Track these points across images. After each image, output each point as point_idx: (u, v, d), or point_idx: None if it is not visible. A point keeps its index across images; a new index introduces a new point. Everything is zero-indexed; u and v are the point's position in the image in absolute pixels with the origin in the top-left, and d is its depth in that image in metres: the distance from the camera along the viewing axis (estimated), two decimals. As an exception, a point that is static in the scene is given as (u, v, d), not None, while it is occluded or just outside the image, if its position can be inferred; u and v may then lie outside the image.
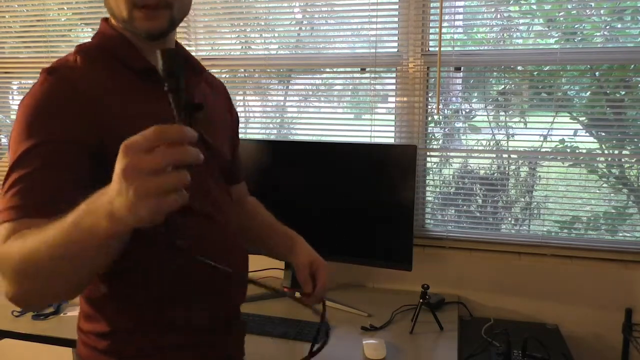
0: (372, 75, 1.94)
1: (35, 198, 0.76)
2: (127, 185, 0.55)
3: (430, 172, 1.96)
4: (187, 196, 0.57)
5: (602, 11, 1.73)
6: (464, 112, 1.93)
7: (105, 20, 0.98)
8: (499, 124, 1.90)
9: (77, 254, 0.65)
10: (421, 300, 1.63)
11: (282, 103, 2.09)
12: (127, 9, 0.87)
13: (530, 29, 1.83)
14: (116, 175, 0.56)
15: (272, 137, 2.10)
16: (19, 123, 0.82)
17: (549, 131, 1.82)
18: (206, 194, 0.96)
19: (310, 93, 2.07)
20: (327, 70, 2.02)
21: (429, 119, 1.92)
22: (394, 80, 1.92)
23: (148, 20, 0.87)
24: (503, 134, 1.89)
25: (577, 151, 1.82)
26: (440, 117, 1.93)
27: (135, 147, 0.55)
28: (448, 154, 1.95)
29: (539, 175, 1.88)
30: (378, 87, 1.95)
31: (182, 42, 2.16)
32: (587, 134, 1.82)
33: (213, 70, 2.11)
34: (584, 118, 1.83)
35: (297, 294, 1.24)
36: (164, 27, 0.90)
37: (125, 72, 0.91)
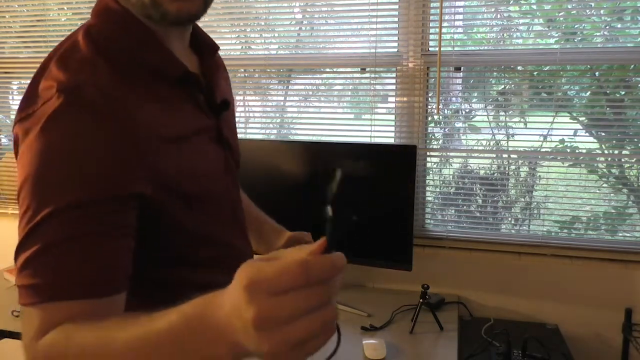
0: (372, 75, 1.94)
1: (72, 273, 0.58)
2: (263, 339, 0.42)
3: (430, 172, 1.96)
4: (335, 328, 0.46)
5: (602, 11, 1.73)
6: (464, 112, 1.93)
7: None
8: (499, 124, 1.90)
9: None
10: (421, 300, 1.63)
11: (282, 103, 2.09)
12: None
13: (530, 29, 1.83)
14: (245, 321, 0.43)
15: (272, 137, 2.10)
16: (43, 164, 0.61)
17: (549, 131, 1.82)
18: (237, 205, 0.90)
19: (310, 93, 2.07)
20: (327, 70, 2.02)
21: (429, 119, 1.92)
22: (394, 80, 1.92)
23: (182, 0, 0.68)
24: (503, 134, 1.89)
25: (577, 151, 1.82)
26: (440, 117, 1.93)
27: (266, 289, 0.43)
28: (448, 154, 1.95)
29: (539, 175, 1.88)
30: (378, 87, 1.95)
31: (182, 42, 2.15)
32: (587, 134, 1.82)
33: (213, 70, 2.12)
34: (584, 118, 1.83)
35: None
36: (199, 10, 0.72)
37: (150, 75, 0.73)
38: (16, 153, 0.68)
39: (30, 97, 0.66)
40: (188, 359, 0.48)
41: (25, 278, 0.60)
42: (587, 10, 1.74)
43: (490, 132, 1.90)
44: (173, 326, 0.48)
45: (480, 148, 1.92)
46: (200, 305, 0.48)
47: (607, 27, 1.75)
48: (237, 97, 2.10)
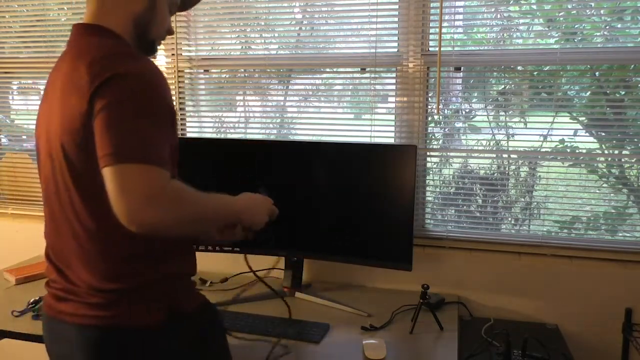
0: (372, 75, 1.94)
1: (164, 154, 0.98)
2: (266, 216, 1.22)
3: (430, 172, 1.96)
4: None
5: (602, 11, 1.73)
6: (464, 112, 1.93)
7: (118, 38, 1.08)
8: (499, 124, 1.90)
9: (215, 222, 1.12)
10: (421, 300, 1.63)
11: (282, 103, 2.09)
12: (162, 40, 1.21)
13: (530, 29, 1.83)
14: (266, 207, 1.23)
15: (272, 137, 2.10)
16: (156, 94, 0.99)
17: (549, 131, 1.82)
18: None
19: (310, 93, 2.07)
20: (327, 70, 2.02)
21: (429, 119, 1.92)
22: (394, 80, 1.92)
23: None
24: (503, 134, 1.89)
25: (577, 151, 1.82)
26: (440, 117, 1.93)
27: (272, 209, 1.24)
28: (448, 154, 1.95)
29: (539, 175, 1.88)
30: (378, 87, 1.95)
31: (182, 42, 2.16)
32: (587, 134, 1.82)
33: (213, 70, 2.12)
34: (584, 118, 1.83)
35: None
36: None
37: None
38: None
39: None
40: (226, 218, 1.14)
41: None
42: (587, 10, 1.74)
43: (490, 132, 1.90)
44: (227, 198, 1.12)
45: (480, 148, 1.93)
46: (233, 197, 1.14)
47: (607, 27, 1.75)
48: (237, 97, 2.11)
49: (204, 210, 1.02)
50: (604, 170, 1.84)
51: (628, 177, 1.84)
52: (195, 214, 0.99)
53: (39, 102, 2.34)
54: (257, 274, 1.33)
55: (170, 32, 1.19)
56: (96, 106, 0.94)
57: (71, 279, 1.08)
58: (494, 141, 1.91)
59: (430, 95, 1.89)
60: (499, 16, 1.84)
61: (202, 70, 2.11)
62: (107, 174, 0.91)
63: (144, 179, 0.92)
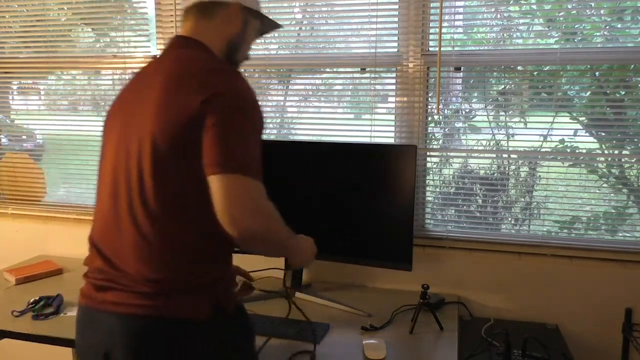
0: (372, 75, 1.94)
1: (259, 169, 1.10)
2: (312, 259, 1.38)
3: (430, 172, 1.96)
4: None
5: (602, 11, 1.73)
6: (464, 112, 1.93)
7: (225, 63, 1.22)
8: (499, 124, 1.90)
9: (286, 249, 1.23)
10: (421, 300, 1.63)
11: (282, 103, 2.09)
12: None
13: (530, 29, 1.83)
14: (312, 249, 1.38)
15: (272, 137, 2.10)
16: (253, 114, 1.10)
17: (549, 131, 1.82)
18: None
19: (310, 93, 2.07)
20: (327, 70, 2.02)
21: (429, 119, 1.92)
22: (394, 80, 1.92)
23: None
24: (503, 134, 1.89)
25: (577, 151, 1.82)
26: (440, 117, 1.93)
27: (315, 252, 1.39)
28: (448, 154, 1.95)
29: (539, 175, 1.88)
30: (378, 87, 1.95)
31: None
32: (587, 134, 1.82)
33: (213, 70, 2.12)
34: (584, 118, 1.83)
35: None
36: None
37: None
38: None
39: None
40: (300, 251, 1.31)
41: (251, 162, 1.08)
42: (587, 10, 1.74)
43: (490, 132, 1.90)
44: (300, 237, 1.32)
45: (480, 148, 1.92)
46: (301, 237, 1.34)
47: (607, 27, 1.75)
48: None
49: (286, 234, 1.16)
50: (604, 170, 1.84)
51: (628, 177, 1.84)
52: (281, 233, 1.13)
53: (38, 102, 2.35)
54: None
55: (248, 57, 1.33)
56: (207, 118, 1.04)
57: (120, 267, 1.10)
58: (494, 141, 1.91)
59: (430, 95, 1.89)
60: (499, 16, 1.84)
61: (202, 70, 2.11)
62: (216, 181, 1.03)
63: (251, 191, 1.05)
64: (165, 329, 1.07)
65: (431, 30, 1.84)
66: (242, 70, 2.07)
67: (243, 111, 1.08)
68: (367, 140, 1.96)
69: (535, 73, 1.83)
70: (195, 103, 1.05)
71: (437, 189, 1.98)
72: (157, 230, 1.07)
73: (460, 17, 1.88)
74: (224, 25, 1.22)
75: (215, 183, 1.03)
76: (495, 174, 1.93)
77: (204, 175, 1.05)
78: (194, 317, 1.08)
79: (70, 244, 2.33)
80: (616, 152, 1.83)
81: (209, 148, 1.04)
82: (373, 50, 1.90)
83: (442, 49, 1.81)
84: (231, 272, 1.20)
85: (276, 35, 2.05)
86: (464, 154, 1.93)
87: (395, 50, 1.90)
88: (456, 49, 1.85)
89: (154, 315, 1.06)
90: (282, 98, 2.09)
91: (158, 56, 1.23)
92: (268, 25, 1.37)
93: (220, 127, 1.04)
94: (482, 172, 1.94)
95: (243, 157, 1.06)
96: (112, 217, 1.13)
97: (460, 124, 1.93)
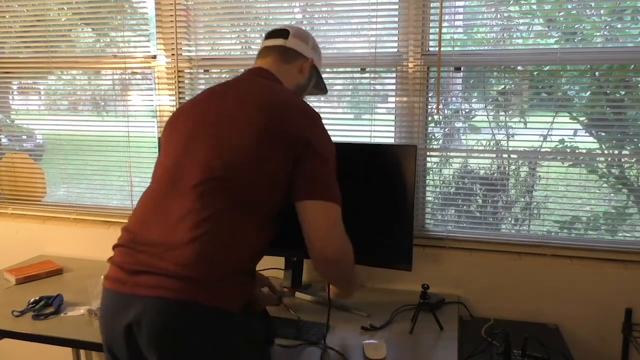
0: (372, 75, 1.94)
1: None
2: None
3: (430, 172, 1.96)
4: None
5: (602, 11, 1.73)
6: (464, 112, 1.93)
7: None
8: (499, 124, 1.90)
9: (352, 279, 1.37)
10: (421, 300, 1.63)
11: (282, 103, 2.09)
12: None
13: (530, 29, 1.83)
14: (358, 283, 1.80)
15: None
16: (334, 152, 1.27)
17: (549, 131, 1.82)
18: None
19: (310, 93, 2.07)
20: (327, 70, 2.02)
21: (429, 119, 1.92)
22: (394, 80, 1.92)
23: None
24: (503, 134, 1.89)
25: (577, 151, 1.82)
26: (440, 117, 1.93)
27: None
28: (448, 154, 1.95)
29: (539, 175, 1.88)
30: (378, 87, 1.95)
31: (182, 42, 2.16)
32: (587, 134, 1.82)
33: (213, 70, 2.12)
34: (584, 118, 1.83)
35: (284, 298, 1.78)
36: None
37: None
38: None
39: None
40: (355, 283, 1.44)
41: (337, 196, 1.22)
42: (587, 10, 1.74)
43: (490, 132, 1.90)
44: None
45: (480, 148, 1.93)
46: None
47: (607, 27, 1.75)
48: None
49: (354, 265, 1.30)
50: (604, 170, 1.84)
51: (628, 177, 1.84)
52: (353, 263, 1.28)
53: (38, 102, 2.36)
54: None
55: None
56: (307, 153, 1.19)
57: (158, 253, 1.12)
58: (494, 141, 1.91)
59: (430, 95, 1.89)
60: (499, 16, 1.84)
61: (202, 70, 2.11)
62: (315, 206, 1.18)
63: (340, 219, 1.21)
64: (200, 314, 1.09)
65: (431, 30, 1.84)
66: (242, 70, 2.07)
67: (329, 141, 1.27)
68: (367, 140, 1.96)
69: (535, 73, 1.83)
70: (296, 137, 1.19)
71: (437, 189, 1.98)
72: (214, 225, 1.12)
73: (460, 17, 1.88)
74: (297, 73, 1.43)
75: (314, 207, 1.18)
76: (495, 174, 1.93)
77: (263, 198, 1.18)
78: (230, 306, 1.12)
79: (70, 244, 2.33)
80: (616, 152, 1.83)
81: (309, 176, 1.19)
82: (373, 50, 1.90)
83: (442, 49, 1.81)
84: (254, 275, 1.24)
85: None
86: (464, 154, 1.94)
87: (395, 50, 1.90)
88: (456, 49, 1.85)
89: (190, 299, 1.08)
90: (282, 98, 2.09)
91: (234, 79, 1.35)
92: (317, 88, 1.56)
93: (319, 162, 1.20)
94: (482, 172, 1.94)
95: (335, 188, 1.21)
96: (161, 206, 1.18)
97: (460, 124, 1.93)
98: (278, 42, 1.43)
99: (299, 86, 1.44)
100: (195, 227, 1.12)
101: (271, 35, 1.46)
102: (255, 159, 1.16)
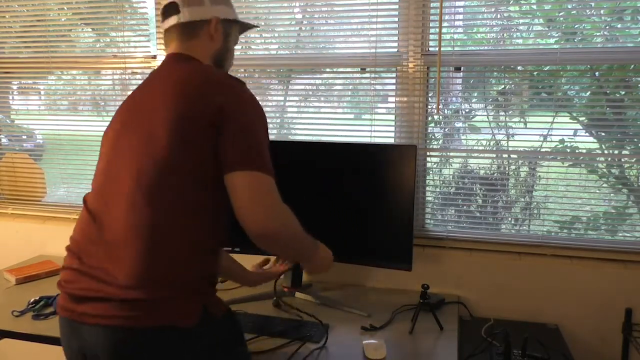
0: (372, 75, 1.94)
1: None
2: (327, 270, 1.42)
3: (430, 172, 1.96)
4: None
5: (602, 11, 1.73)
6: (464, 112, 1.93)
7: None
8: (499, 124, 1.90)
9: (304, 252, 1.29)
10: (421, 300, 1.63)
11: (282, 103, 2.09)
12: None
13: (530, 29, 1.83)
14: (329, 258, 1.42)
15: (272, 137, 2.10)
16: (262, 119, 1.17)
17: (549, 131, 1.82)
18: None
19: (310, 93, 2.07)
20: (327, 70, 2.02)
21: (429, 119, 1.92)
22: (394, 80, 1.92)
23: None
24: (503, 134, 1.89)
25: (577, 151, 1.82)
26: (440, 117, 1.93)
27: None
28: (448, 154, 1.95)
29: (539, 175, 1.88)
30: (378, 87, 1.95)
31: (182, 42, 2.14)
32: (587, 134, 1.82)
33: (213, 70, 2.11)
34: (584, 118, 1.83)
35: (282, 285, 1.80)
36: None
37: None
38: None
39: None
40: (311, 252, 1.34)
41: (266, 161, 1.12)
42: (587, 10, 1.74)
43: (490, 132, 1.90)
44: (318, 243, 1.37)
45: (480, 148, 1.92)
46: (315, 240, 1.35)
47: (607, 27, 1.75)
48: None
49: (304, 237, 1.21)
50: (604, 170, 1.84)
51: (628, 177, 1.84)
52: (299, 234, 1.18)
53: (38, 102, 2.36)
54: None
55: (232, 63, 1.40)
56: (224, 122, 1.09)
57: (102, 277, 1.07)
58: (494, 141, 1.91)
59: (430, 95, 1.89)
60: (499, 16, 1.84)
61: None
62: (239, 177, 1.07)
63: (272, 190, 1.09)
64: (153, 338, 1.05)
65: (431, 30, 1.84)
66: (242, 70, 2.08)
67: (256, 110, 1.15)
68: (367, 140, 1.96)
69: (535, 73, 1.83)
70: (207, 107, 1.10)
71: (437, 189, 1.98)
72: (148, 235, 1.07)
73: (460, 17, 1.88)
74: (209, 41, 1.29)
75: (237, 179, 1.07)
76: (495, 174, 1.93)
77: (206, 184, 1.10)
78: (184, 323, 1.07)
79: (70, 244, 2.33)
80: (616, 152, 1.83)
81: (229, 147, 1.08)
82: (373, 50, 1.90)
83: (442, 49, 1.81)
84: (216, 272, 1.19)
85: (276, 35, 2.05)
86: (464, 154, 1.93)
87: (395, 50, 1.90)
88: (456, 49, 1.85)
89: (139, 325, 1.04)
90: (282, 98, 2.09)
91: (155, 70, 1.27)
92: (245, 27, 1.43)
93: (239, 130, 1.09)
94: (482, 172, 1.94)
95: (262, 156, 1.10)
96: (98, 220, 1.13)
97: (460, 124, 1.93)
98: (172, 21, 1.28)
99: (218, 53, 1.31)
100: (135, 241, 1.07)
101: (164, 15, 1.31)
102: (183, 151, 1.08)
